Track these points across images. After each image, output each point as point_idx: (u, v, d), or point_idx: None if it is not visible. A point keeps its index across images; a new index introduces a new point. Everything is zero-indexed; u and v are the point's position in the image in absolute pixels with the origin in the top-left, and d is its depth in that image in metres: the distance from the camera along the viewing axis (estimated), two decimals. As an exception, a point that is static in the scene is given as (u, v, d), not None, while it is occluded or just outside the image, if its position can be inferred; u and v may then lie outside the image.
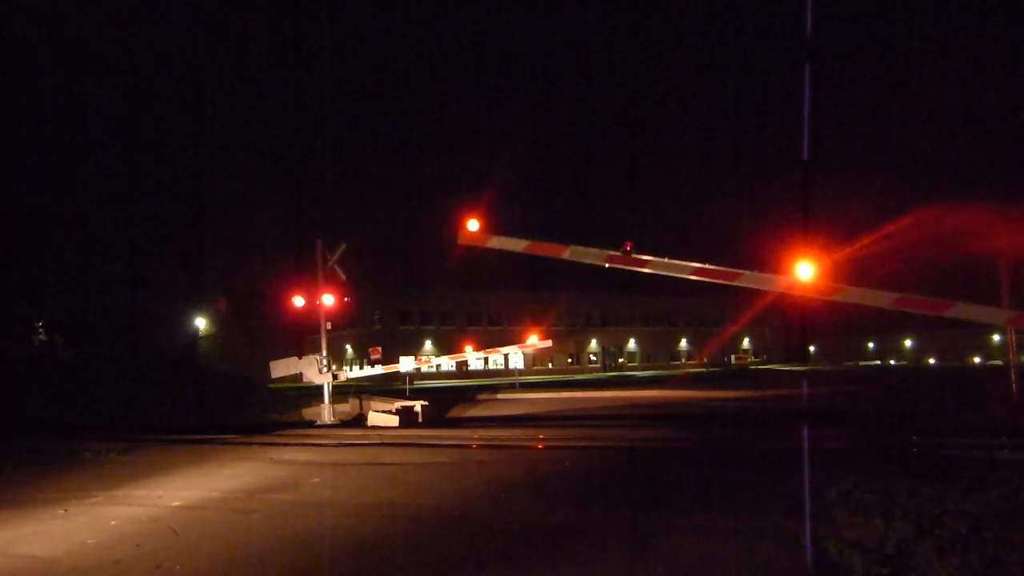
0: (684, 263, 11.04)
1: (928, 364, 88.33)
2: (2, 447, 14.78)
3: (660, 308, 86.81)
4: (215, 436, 15.15)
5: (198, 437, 15.15)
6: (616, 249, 11.23)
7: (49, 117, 26.80)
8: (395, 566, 5.69)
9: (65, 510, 8.01)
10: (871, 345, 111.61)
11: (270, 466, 10.79)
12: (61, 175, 27.40)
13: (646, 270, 11.01)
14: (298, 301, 19.10)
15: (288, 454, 12.18)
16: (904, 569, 4.83)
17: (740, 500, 7.15)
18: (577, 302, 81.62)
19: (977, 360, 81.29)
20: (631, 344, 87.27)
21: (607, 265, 11.33)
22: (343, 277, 18.68)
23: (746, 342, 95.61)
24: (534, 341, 30.61)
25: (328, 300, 18.52)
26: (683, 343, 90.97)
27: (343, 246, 18.68)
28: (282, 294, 20.41)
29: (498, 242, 12.30)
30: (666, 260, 11.03)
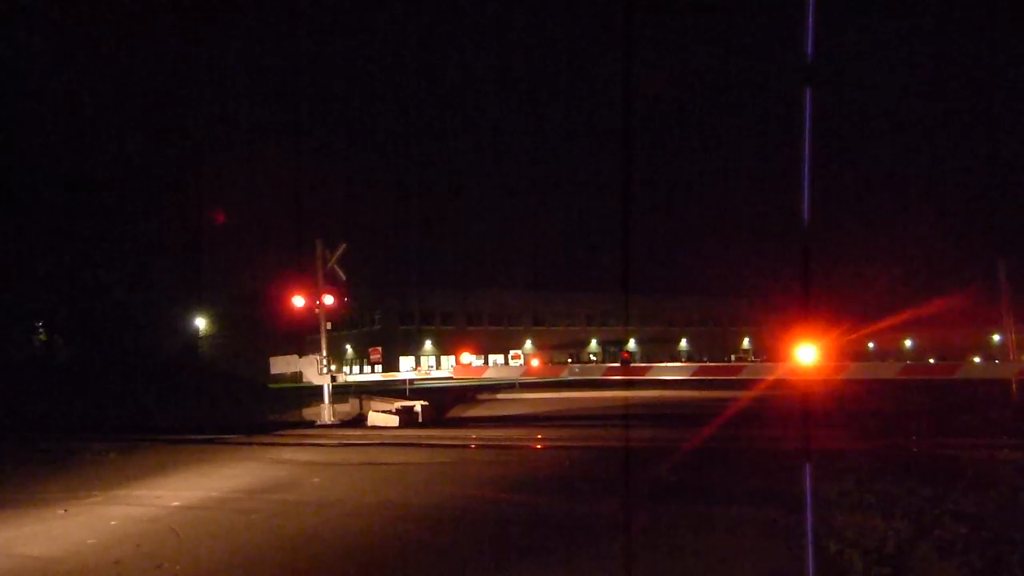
0: (686, 364, 11.21)
1: (928, 364, 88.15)
2: (2, 446, 14.82)
3: (660, 308, 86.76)
4: (215, 436, 15.13)
5: (198, 437, 15.14)
6: (615, 360, 11.40)
7: (49, 118, 26.83)
8: (396, 566, 5.70)
9: (65, 510, 8.01)
10: (871, 345, 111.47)
11: (270, 466, 10.79)
12: (61, 176, 27.42)
13: (647, 377, 11.08)
14: (298, 301, 19.05)
15: (288, 454, 12.19)
16: (904, 569, 4.84)
17: (739, 499, 7.14)
18: (577, 301, 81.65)
19: (977, 360, 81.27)
20: (631, 344, 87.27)
21: (608, 377, 11.57)
22: (343, 277, 18.66)
23: (745, 342, 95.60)
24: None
25: (328, 300, 18.50)
26: (683, 343, 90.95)
27: (343, 246, 18.65)
28: (282, 294, 20.38)
29: (494, 371, 12.67)
30: (666, 364, 11.16)
